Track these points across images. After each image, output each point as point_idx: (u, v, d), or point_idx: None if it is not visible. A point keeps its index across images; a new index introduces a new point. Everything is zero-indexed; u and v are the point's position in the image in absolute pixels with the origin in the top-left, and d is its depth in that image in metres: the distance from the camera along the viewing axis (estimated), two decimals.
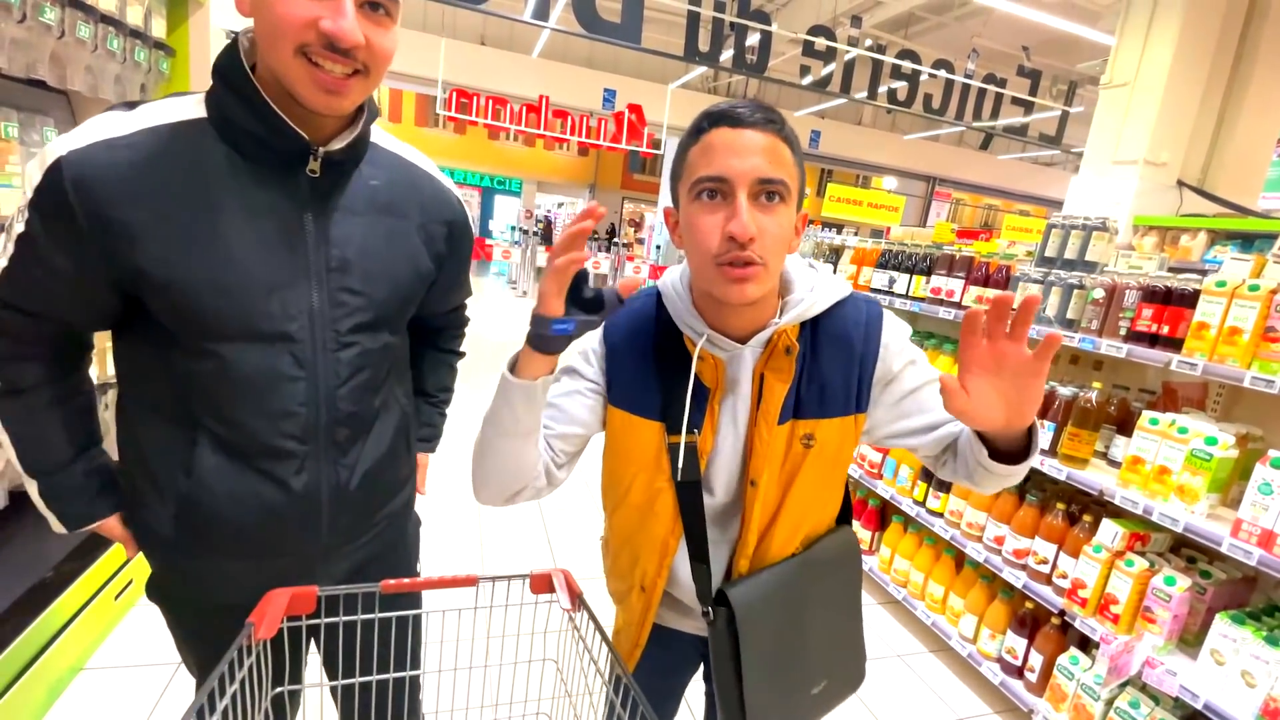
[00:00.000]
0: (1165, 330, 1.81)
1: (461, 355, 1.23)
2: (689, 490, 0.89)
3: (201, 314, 0.77)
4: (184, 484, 0.84)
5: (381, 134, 0.91)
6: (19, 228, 0.75)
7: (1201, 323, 1.72)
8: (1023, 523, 2.10)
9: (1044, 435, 2.05)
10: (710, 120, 0.78)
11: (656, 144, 9.02)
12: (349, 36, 0.68)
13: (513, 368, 0.82)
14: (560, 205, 16.27)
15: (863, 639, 1.05)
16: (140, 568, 2.27)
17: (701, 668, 1.12)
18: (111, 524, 0.92)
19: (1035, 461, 0.88)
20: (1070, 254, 2.23)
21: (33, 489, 0.88)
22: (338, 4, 0.67)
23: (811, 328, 0.87)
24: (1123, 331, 1.92)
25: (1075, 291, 2.09)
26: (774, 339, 0.84)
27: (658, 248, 10.21)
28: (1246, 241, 4.26)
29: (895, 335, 0.90)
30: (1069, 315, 2.11)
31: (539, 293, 0.75)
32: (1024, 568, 2.09)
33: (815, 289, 0.87)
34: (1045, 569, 2.02)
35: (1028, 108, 6.73)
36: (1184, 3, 4.38)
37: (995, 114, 6.70)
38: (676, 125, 9.96)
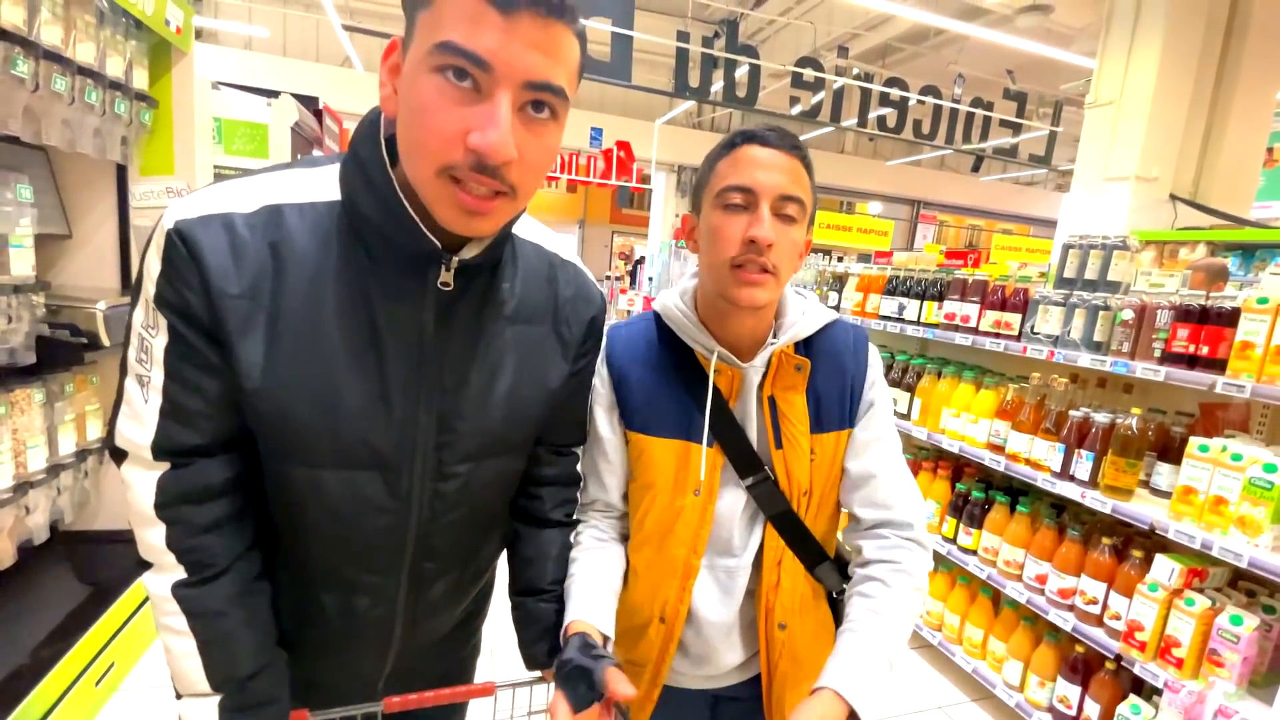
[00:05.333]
0: (1205, 351, 1.73)
1: (575, 525, 0.95)
2: (764, 488, 0.90)
3: (292, 430, 0.66)
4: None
5: (522, 223, 0.78)
6: (161, 343, 0.63)
7: (1245, 342, 1.64)
8: (1066, 560, 1.98)
9: (1082, 465, 1.94)
10: (743, 137, 0.85)
11: (645, 179, 9.06)
12: (498, 153, 0.56)
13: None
14: None
15: None
16: (121, 650, 2.10)
17: None
18: None
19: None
20: (1091, 274, 2.16)
21: (203, 710, 0.67)
22: (490, 112, 0.55)
23: (805, 348, 0.92)
24: (1157, 353, 1.84)
25: (1101, 313, 2.01)
26: (774, 360, 0.89)
27: (650, 280, 10.19)
28: (1248, 252, 4.25)
29: (876, 360, 0.96)
30: (1096, 338, 2.03)
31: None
32: (1071, 608, 1.97)
33: (806, 313, 0.92)
34: (1095, 609, 1.89)
35: (1016, 129, 6.82)
36: (1164, 22, 4.45)
37: (984, 136, 6.77)
38: (665, 160, 10.04)
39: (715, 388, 0.88)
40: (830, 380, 0.91)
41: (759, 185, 0.81)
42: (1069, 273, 2.24)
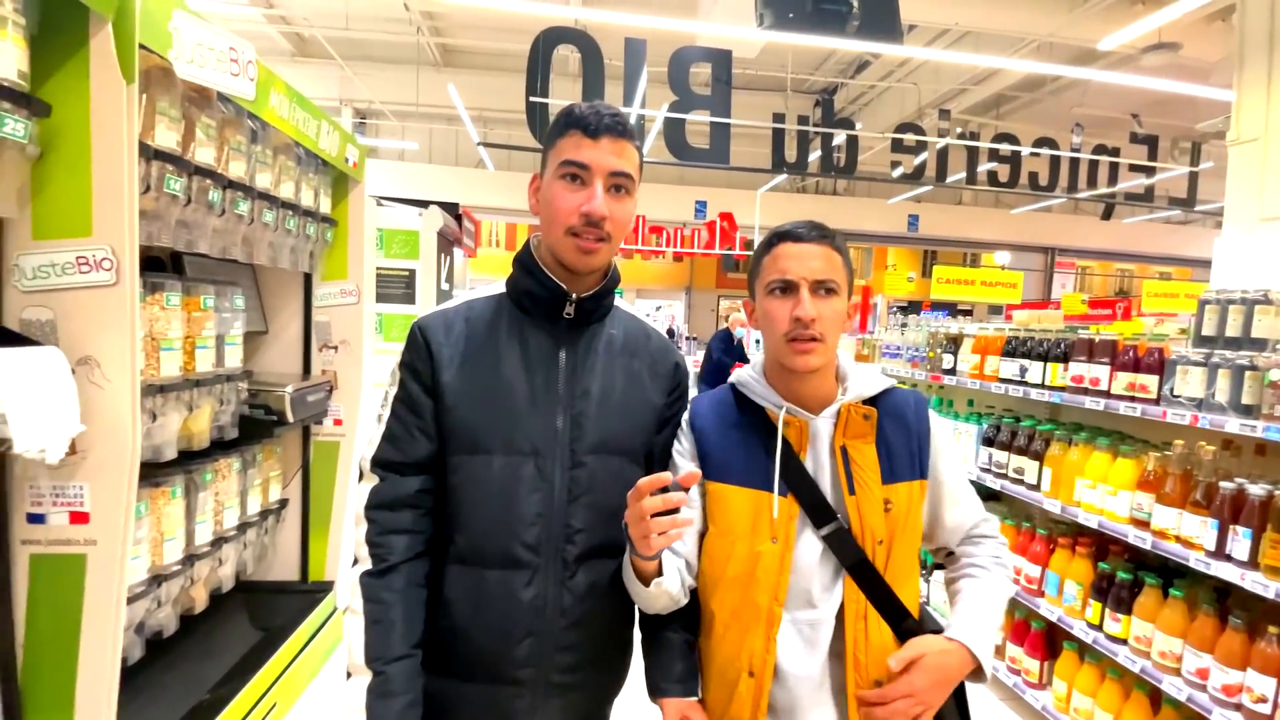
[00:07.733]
0: None
1: None
2: (837, 539, 0.98)
3: (474, 426, 0.98)
4: (433, 601, 1.00)
5: (623, 303, 1.15)
6: (394, 392, 1.02)
7: None
8: (1229, 651, 1.75)
9: (1239, 543, 1.75)
10: (779, 237, 1.03)
11: (749, 245, 9.27)
12: (598, 210, 0.95)
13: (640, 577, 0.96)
14: (659, 308, 16.80)
15: None
16: (283, 692, 2.39)
17: None
18: None
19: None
20: (1232, 331, 1.99)
21: (357, 685, 0.93)
22: (592, 192, 0.95)
23: (871, 406, 1.03)
24: None
25: (1248, 373, 1.84)
26: (843, 412, 1.00)
27: (757, 342, 10.23)
28: None
29: (937, 417, 1.07)
30: (1244, 400, 1.85)
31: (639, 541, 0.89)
32: (1238, 708, 1.72)
33: (867, 376, 1.06)
34: (1266, 709, 1.65)
35: (1149, 173, 6.31)
36: None
37: (1113, 180, 6.32)
38: (768, 226, 10.23)
39: (785, 439, 1.00)
40: (897, 434, 1.03)
41: (797, 275, 0.98)
42: (1208, 330, 2.08)
